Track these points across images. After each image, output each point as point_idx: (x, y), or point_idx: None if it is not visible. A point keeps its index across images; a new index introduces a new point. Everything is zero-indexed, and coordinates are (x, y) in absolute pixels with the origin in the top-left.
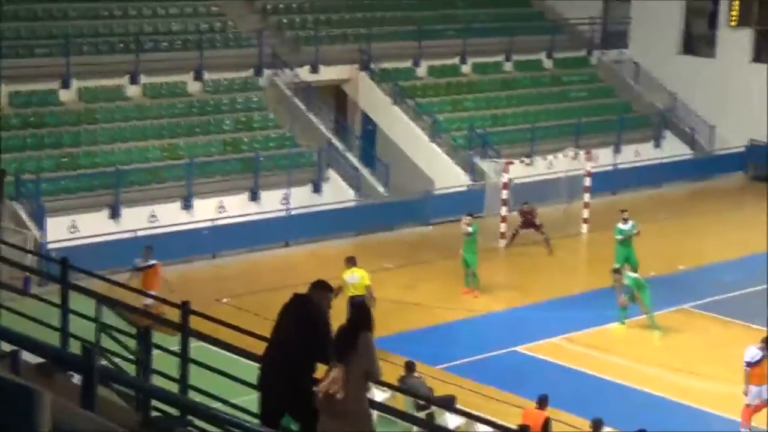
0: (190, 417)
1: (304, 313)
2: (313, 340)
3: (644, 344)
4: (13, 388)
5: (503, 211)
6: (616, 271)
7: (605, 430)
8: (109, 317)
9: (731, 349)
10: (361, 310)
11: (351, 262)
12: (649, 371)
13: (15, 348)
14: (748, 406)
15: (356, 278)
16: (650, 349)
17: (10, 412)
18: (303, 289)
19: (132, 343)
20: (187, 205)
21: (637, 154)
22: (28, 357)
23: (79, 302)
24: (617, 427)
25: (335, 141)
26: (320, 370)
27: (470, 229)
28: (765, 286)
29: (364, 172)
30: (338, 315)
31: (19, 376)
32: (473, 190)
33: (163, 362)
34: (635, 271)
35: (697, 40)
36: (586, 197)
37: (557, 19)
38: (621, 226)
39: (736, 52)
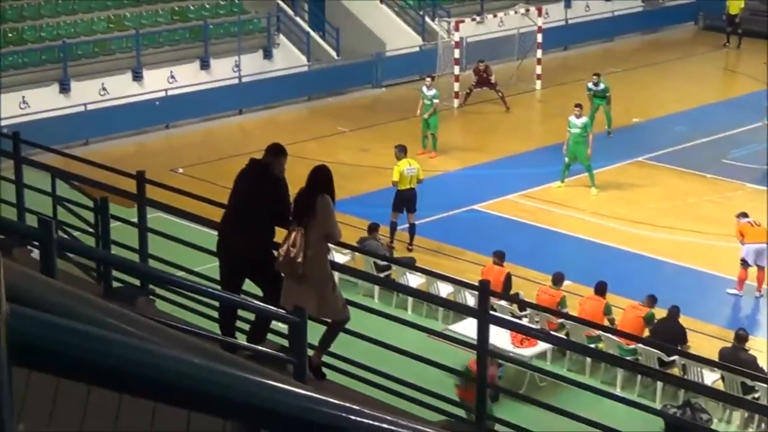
0: (151, 286)
1: (261, 178)
2: (272, 205)
3: (602, 198)
4: None
5: (456, 70)
6: (578, 105)
7: (566, 283)
8: (65, 191)
9: (687, 200)
10: (320, 173)
11: (404, 150)
12: (608, 224)
13: None
14: None
15: (414, 170)
16: (608, 203)
17: None
18: (257, 156)
19: (89, 216)
20: (137, 77)
21: (588, 8)
22: None
23: (33, 178)
24: (578, 281)
25: (284, 6)
26: (280, 234)
27: (434, 92)
28: (718, 136)
29: (315, 36)
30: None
31: None
32: (425, 50)
33: (122, 234)
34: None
35: None
36: (539, 53)
37: None
38: (590, 86)
39: None
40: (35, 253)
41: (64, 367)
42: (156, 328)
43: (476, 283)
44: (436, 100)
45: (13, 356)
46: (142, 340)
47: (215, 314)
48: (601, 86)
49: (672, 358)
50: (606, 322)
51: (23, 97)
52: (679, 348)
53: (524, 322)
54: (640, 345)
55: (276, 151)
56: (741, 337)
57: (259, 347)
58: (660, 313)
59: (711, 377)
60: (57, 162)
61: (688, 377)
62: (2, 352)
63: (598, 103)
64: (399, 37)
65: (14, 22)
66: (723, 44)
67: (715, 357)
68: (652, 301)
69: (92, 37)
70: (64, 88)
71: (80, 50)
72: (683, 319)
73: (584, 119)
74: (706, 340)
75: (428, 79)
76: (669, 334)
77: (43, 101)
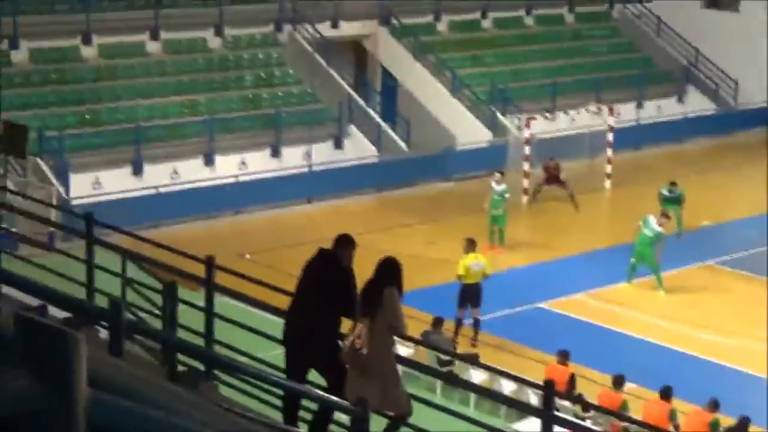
0: (216, 371)
1: (329, 268)
2: (338, 295)
3: (668, 301)
4: (49, 331)
5: (526, 166)
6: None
7: (627, 386)
8: (134, 272)
9: (754, 306)
10: (388, 265)
11: (472, 245)
12: (673, 327)
13: (42, 302)
14: None
15: (481, 266)
16: (674, 306)
17: (46, 357)
18: (325, 245)
19: (158, 298)
20: (208, 162)
21: (660, 109)
22: (55, 312)
23: (103, 258)
24: (641, 383)
25: (356, 97)
26: (346, 325)
27: (504, 187)
28: None
29: (386, 127)
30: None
31: None
32: (495, 145)
33: (189, 317)
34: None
35: None
36: (609, 152)
37: None
38: (665, 192)
39: (759, 6)
40: (103, 333)
41: None
42: (222, 416)
43: (540, 382)
44: (507, 195)
45: None
46: (211, 428)
47: (278, 402)
48: (677, 192)
49: None
50: (671, 428)
51: (97, 177)
52: None
53: (588, 423)
54: None
55: (344, 242)
56: None
57: None
58: (724, 419)
59: None
60: (128, 243)
61: None
62: None
63: (669, 207)
64: (469, 131)
65: (91, 103)
66: None
67: None
68: (714, 405)
69: (166, 121)
70: (137, 171)
71: (154, 133)
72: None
73: (661, 229)
74: None
75: (497, 174)
76: None
77: (115, 183)
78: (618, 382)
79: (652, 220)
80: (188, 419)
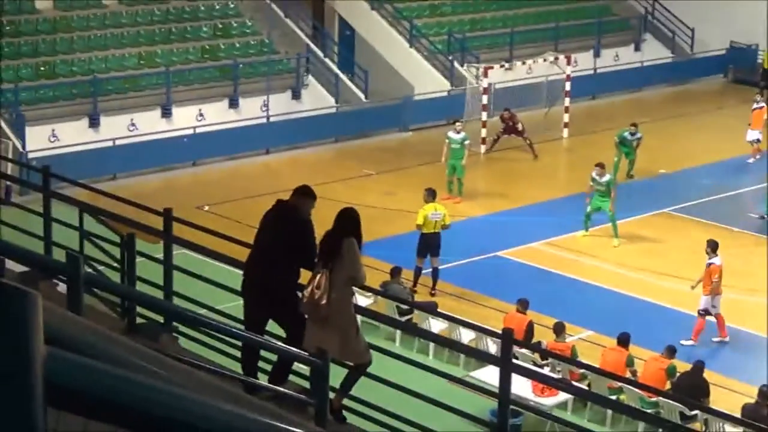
0: (175, 323)
1: (288, 219)
2: (297, 246)
3: (626, 249)
4: (2, 289)
5: (483, 116)
6: (599, 165)
7: (588, 333)
8: (92, 225)
9: None
10: (347, 216)
11: (432, 195)
12: (630, 275)
13: None
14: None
15: (440, 216)
16: (632, 254)
17: (1, 315)
18: (284, 196)
19: (115, 250)
20: (166, 113)
21: (617, 57)
22: (12, 266)
23: (61, 211)
24: (599, 331)
25: (314, 47)
26: (305, 276)
27: (463, 135)
28: (745, 190)
29: (343, 78)
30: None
31: None
32: (453, 95)
33: (147, 270)
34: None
35: None
36: (566, 101)
37: None
38: (626, 135)
39: None
40: (61, 287)
41: (97, 410)
42: (181, 369)
43: (499, 331)
44: (467, 142)
45: (48, 398)
46: (170, 383)
47: (238, 353)
48: (638, 135)
49: (694, 413)
50: (628, 374)
51: (53, 130)
52: (701, 402)
53: (546, 371)
54: (662, 398)
55: (304, 193)
56: (765, 394)
57: (281, 388)
58: (681, 365)
59: None
60: (85, 196)
61: None
62: (39, 393)
63: (625, 150)
64: (427, 81)
65: (47, 56)
66: (753, 98)
67: (737, 412)
68: (671, 352)
69: (123, 72)
70: (94, 123)
71: (110, 85)
72: (706, 373)
73: (607, 177)
74: (729, 394)
75: (458, 124)
76: (692, 388)
77: (72, 135)
78: (558, 330)
79: (596, 176)
80: (148, 373)
